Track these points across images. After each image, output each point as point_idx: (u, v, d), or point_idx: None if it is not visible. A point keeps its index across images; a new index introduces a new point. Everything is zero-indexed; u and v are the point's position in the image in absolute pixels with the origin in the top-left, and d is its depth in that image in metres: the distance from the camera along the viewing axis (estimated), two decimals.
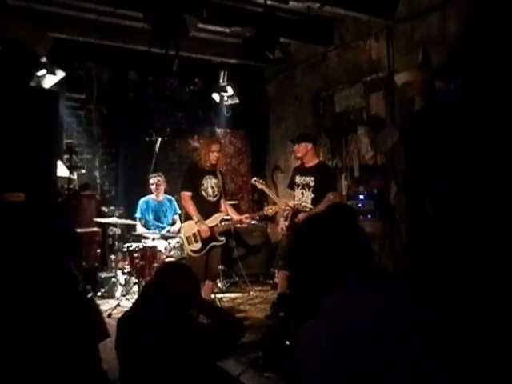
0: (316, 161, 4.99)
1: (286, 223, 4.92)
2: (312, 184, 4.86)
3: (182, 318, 2.07)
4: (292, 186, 5.05)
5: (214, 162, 4.83)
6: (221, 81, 6.56)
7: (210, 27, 5.81)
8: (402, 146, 5.17)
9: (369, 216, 5.65)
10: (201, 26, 5.56)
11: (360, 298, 1.14)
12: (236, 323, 2.29)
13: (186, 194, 4.82)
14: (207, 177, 4.85)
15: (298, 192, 4.93)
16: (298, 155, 4.95)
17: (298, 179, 4.96)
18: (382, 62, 5.50)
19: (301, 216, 4.71)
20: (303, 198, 4.88)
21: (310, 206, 4.81)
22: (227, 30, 5.88)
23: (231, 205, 5.39)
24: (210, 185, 4.85)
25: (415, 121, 4.76)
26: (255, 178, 6.23)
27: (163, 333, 1.98)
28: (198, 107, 7.36)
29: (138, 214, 5.89)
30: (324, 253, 1.26)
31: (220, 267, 5.56)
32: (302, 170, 4.96)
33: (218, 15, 5.35)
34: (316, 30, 6.10)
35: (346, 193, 6.23)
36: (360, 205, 5.75)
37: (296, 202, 4.88)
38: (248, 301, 5.61)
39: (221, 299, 5.54)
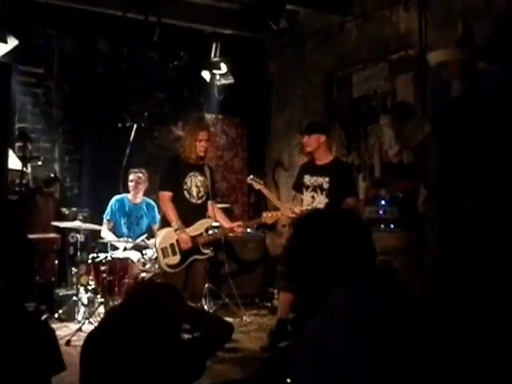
0: (330, 157, 4.97)
1: (288, 235, 4.92)
2: (326, 186, 4.82)
3: (165, 340, 2.08)
4: (299, 187, 5.00)
5: (201, 154, 4.80)
6: (212, 55, 6.55)
7: None
8: (435, 141, 5.15)
9: (391, 226, 5.63)
10: None
11: (360, 298, 1.42)
12: (222, 325, 2.39)
13: (165, 195, 4.79)
14: (191, 173, 4.82)
15: (307, 195, 4.89)
16: (309, 149, 4.92)
17: (308, 179, 4.91)
18: (412, 37, 5.49)
19: None
20: (314, 202, 4.83)
21: None
22: None
23: (221, 209, 5.37)
24: (194, 183, 4.82)
25: (452, 110, 4.74)
26: (252, 177, 6.18)
27: (145, 365, 1.97)
28: (184, 87, 7.33)
29: (106, 215, 5.86)
30: (326, 250, 1.51)
31: (206, 286, 5.53)
32: (313, 169, 4.91)
33: None
34: None
35: (363, 197, 6.21)
36: (381, 212, 5.73)
37: (305, 208, 4.82)
38: (240, 328, 5.59)
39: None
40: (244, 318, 5.96)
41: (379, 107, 6.00)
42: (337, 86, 6.62)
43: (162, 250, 4.74)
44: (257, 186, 6.10)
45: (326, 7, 6.21)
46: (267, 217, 5.15)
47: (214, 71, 6.64)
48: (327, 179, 4.80)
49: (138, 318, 2.05)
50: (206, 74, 6.69)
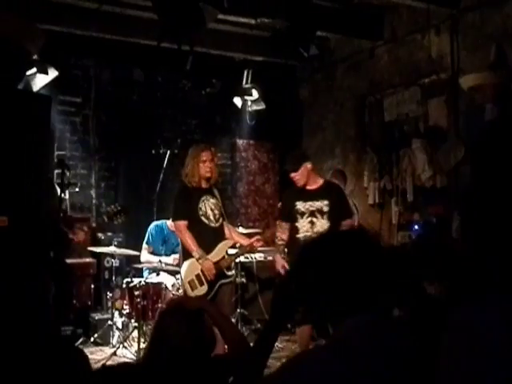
0: (320, 180, 4.83)
1: (284, 263, 4.70)
2: (326, 209, 4.65)
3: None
4: (291, 216, 4.76)
5: (207, 175, 4.69)
6: (244, 82, 6.62)
7: (231, 18, 5.89)
8: (469, 165, 5.09)
9: None
10: (221, 16, 5.65)
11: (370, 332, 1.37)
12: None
13: (181, 224, 4.66)
14: (203, 198, 4.71)
15: (303, 222, 4.67)
16: (302, 182, 4.71)
17: (302, 206, 4.70)
18: (444, 61, 5.48)
19: None
20: (315, 228, 4.64)
21: None
22: (253, 22, 5.94)
23: (253, 234, 5.35)
24: (209, 207, 4.71)
25: (485, 134, 4.68)
26: None
27: None
28: (216, 114, 7.42)
29: (147, 240, 5.85)
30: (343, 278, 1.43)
31: (238, 311, 5.51)
32: (306, 194, 4.72)
33: (242, 3, 5.42)
34: (361, 20, 6.12)
35: (396, 221, 6.15)
36: (414, 236, 5.67)
37: (303, 235, 4.63)
38: (272, 354, 5.52)
39: None
40: (276, 343, 5.89)
41: (411, 131, 5.97)
42: (368, 110, 6.62)
43: (189, 283, 4.62)
44: None
45: (357, 33, 6.24)
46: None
47: (246, 97, 6.70)
48: (326, 202, 4.65)
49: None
50: (237, 101, 6.75)
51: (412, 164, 5.89)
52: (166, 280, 5.52)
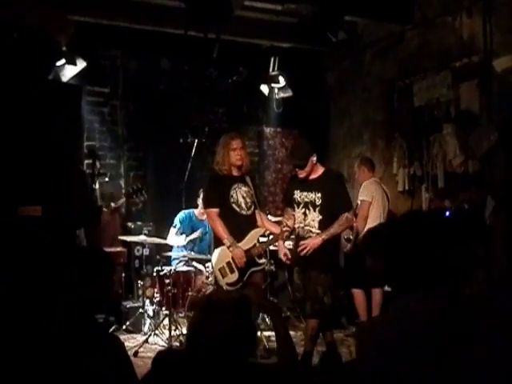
0: (320, 170, 4.60)
1: (287, 250, 4.63)
2: (319, 202, 4.47)
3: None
4: (290, 202, 4.66)
5: (238, 163, 4.67)
6: (271, 69, 6.59)
7: (258, 4, 5.85)
8: (502, 150, 5.00)
9: None
10: (247, 3, 5.62)
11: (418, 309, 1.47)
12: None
13: (212, 211, 4.68)
14: (235, 186, 4.70)
15: (298, 212, 4.55)
16: (305, 175, 4.53)
17: (298, 195, 4.56)
18: (477, 44, 5.37)
19: (309, 243, 4.39)
20: (306, 220, 4.51)
21: (317, 230, 4.45)
22: (279, 8, 5.90)
23: (281, 221, 5.34)
24: (240, 195, 4.71)
25: None
26: None
27: None
28: (243, 102, 7.40)
29: (174, 225, 5.92)
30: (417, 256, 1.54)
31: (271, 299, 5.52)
32: (303, 183, 4.55)
33: None
34: (391, 4, 6.01)
35: (426, 208, 6.07)
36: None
37: (297, 226, 4.55)
38: (302, 341, 5.53)
39: (269, 338, 5.50)
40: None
41: (442, 116, 5.87)
42: (397, 95, 6.52)
43: (219, 270, 4.64)
44: None
45: (386, 17, 6.14)
46: None
47: (273, 85, 6.67)
48: (319, 195, 4.46)
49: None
50: (264, 88, 6.72)
51: (443, 149, 5.79)
52: (196, 269, 5.56)
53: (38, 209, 2.55)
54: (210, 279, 5.45)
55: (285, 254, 4.61)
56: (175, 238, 5.89)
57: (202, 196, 5.89)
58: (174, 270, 5.42)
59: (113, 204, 5.54)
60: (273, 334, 5.78)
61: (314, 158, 4.49)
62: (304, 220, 4.51)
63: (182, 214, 5.97)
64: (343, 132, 7.46)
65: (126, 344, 4.98)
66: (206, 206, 4.83)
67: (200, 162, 6.74)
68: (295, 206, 4.57)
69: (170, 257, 5.85)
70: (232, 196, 4.69)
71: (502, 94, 5.02)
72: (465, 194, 5.59)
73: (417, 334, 1.41)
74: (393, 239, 1.61)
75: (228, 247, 4.59)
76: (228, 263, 4.62)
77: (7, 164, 2.45)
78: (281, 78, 6.60)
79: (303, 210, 4.52)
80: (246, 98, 7.35)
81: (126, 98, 6.76)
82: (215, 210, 4.67)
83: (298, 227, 4.54)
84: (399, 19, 6.14)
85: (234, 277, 4.61)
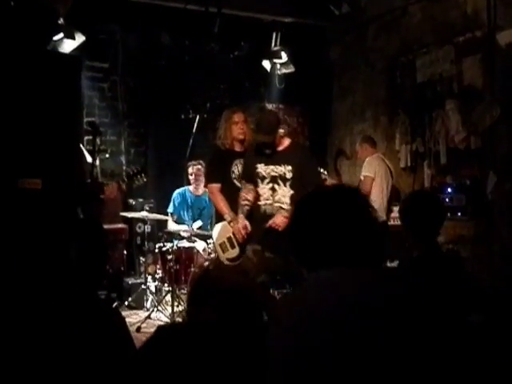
0: (287, 142, 4.31)
1: (247, 222, 4.32)
2: (290, 176, 4.20)
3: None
4: (250, 177, 4.33)
5: (240, 137, 4.62)
6: (273, 45, 6.54)
7: None
8: (505, 125, 4.98)
9: (458, 214, 5.48)
10: None
11: (328, 285, 1.44)
12: None
13: (214, 187, 4.65)
14: (237, 161, 4.65)
15: (263, 188, 4.25)
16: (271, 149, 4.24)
17: (263, 169, 4.25)
18: (480, 18, 5.31)
19: (279, 220, 4.09)
20: (276, 195, 4.23)
21: (288, 207, 4.14)
22: None
23: None
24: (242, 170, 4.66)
25: None
26: None
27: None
28: (245, 77, 7.35)
29: (170, 209, 5.98)
30: (324, 232, 1.49)
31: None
32: (268, 156, 4.23)
33: None
34: None
35: (428, 184, 6.07)
36: (447, 199, 5.59)
37: (263, 203, 4.26)
38: None
39: None
40: None
41: (445, 92, 5.84)
42: (400, 71, 6.48)
43: (220, 245, 4.62)
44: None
45: None
46: None
47: (275, 60, 6.63)
48: (289, 168, 4.19)
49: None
50: (266, 64, 6.68)
51: (445, 125, 5.77)
52: (198, 245, 5.59)
53: (38, 182, 2.56)
54: (212, 255, 5.49)
55: (245, 227, 4.31)
56: (173, 226, 5.90)
57: (190, 171, 5.93)
58: (177, 246, 5.46)
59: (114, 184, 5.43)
60: None
61: (282, 131, 4.25)
62: (272, 196, 4.23)
63: (175, 195, 5.99)
64: (346, 108, 7.43)
65: (129, 320, 5.07)
66: (208, 181, 4.82)
67: (201, 138, 6.72)
68: (259, 181, 4.25)
69: (172, 233, 5.87)
70: (233, 171, 4.67)
71: (505, 69, 4.99)
72: (467, 170, 5.59)
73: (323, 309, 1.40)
74: (294, 221, 1.60)
75: (229, 222, 4.56)
76: (229, 238, 4.58)
77: (7, 136, 2.45)
78: (283, 54, 6.56)
79: (271, 185, 4.22)
80: (248, 74, 7.30)
81: (126, 73, 6.73)
82: (216, 186, 4.66)
83: (265, 204, 4.26)
84: None
85: (235, 252, 4.58)
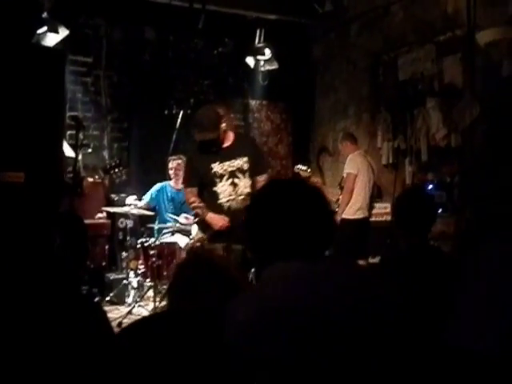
0: (231, 135, 4.28)
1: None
2: (247, 167, 4.19)
3: None
4: (206, 180, 4.23)
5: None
6: (256, 41, 6.55)
7: None
8: (484, 123, 5.05)
9: (440, 210, 5.55)
10: None
11: (285, 277, 1.43)
12: None
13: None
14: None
15: (223, 185, 4.19)
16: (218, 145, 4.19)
17: (219, 168, 4.18)
18: (460, 17, 5.38)
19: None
20: (238, 189, 4.18)
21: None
22: None
23: None
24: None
25: (502, 91, 4.63)
26: (299, 166, 6.21)
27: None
28: (228, 74, 7.37)
29: (144, 197, 5.94)
30: (278, 224, 1.49)
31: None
32: (220, 154, 4.19)
33: None
34: None
35: (410, 181, 6.14)
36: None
37: (227, 199, 4.18)
38: None
39: None
40: None
41: (426, 90, 5.91)
42: (383, 69, 6.54)
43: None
44: (304, 175, 6.08)
45: None
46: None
47: (259, 57, 6.64)
48: (246, 159, 4.19)
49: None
50: (250, 60, 6.69)
51: (426, 123, 5.85)
52: (180, 240, 5.59)
53: (20, 175, 2.56)
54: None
55: (224, 219, 4.17)
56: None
57: (170, 166, 5.92)
58: (159, 241, 5.46)
59: (96, 177, 5.39)
60: None
61: (224, 125, 4.15)
62: (235, 191, 4.18)
63: (153, 190, 5.98)
64: (329, 105, 7.48)
65: (110, 315, 5.05)
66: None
67: (185, 134, 6.73)
68: (217, 180, 4.18)
69: (153, 228, 5.87)
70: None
71: (484, 67, 5.06)
72: (447, 167, 5.66)
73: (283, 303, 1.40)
74: (250, 212, 1.60)
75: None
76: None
77: None
78: (267, 51, 6.58)
79: (230, 180, 4.17)
80: (232, 70, 7.32)
81: (110, 68, 6.69)
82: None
83: (228, 200, 4.19)
84: None
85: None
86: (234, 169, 4.19)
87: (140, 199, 6.05)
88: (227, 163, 4.18)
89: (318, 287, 1.41)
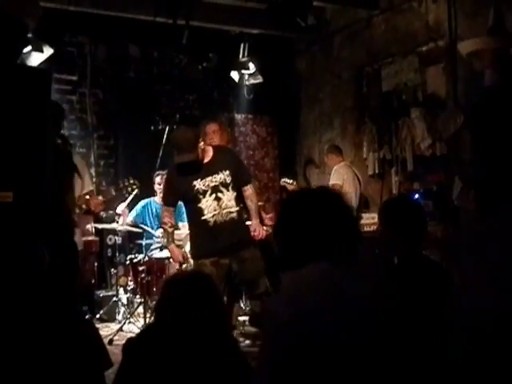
0: (210, 151, 4.29)
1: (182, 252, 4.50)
2: (229, 180, 4.23)
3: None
4: (187, 198, 4.30)
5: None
6: (241, 56, 6.58)
7: None
8: (468, 132, 5.09)
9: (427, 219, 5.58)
10: None
11: (317, 280, 1.52)
12: None
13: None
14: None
15: (207, 201, 4.20)
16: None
17: (201, 184, 4.20)
18: (442, 28, 5.46)
19: (258, 229, 4.39)
20: (222, 203, 4.22)
21: (236, 208, 4.28)
22: None
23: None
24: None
25: (485, 100, 4.66)
26: (285, 179, 6.23)
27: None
28: (213, 88, 7.40)
29: (130, 214, 5.89)
30: (307, 228, 1.58)
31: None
32: (200, 171, 4.20)
33: None
34: None
35: (396, 191, 6.17)
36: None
37: (212, 214, 4.22)
38: None
39: (244, 323, 5.55)
40: None
41: (410, 100, 5.97)
42: (366, 80, 6.59)
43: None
44: (290, 188, 6.10)
45: (353, 2, 6.21)
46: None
47: (243, 71, 6.66)
48: (227, 172, 4.23)
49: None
50: (234, 75, 6.72)
51: (411, 133, 5.90)
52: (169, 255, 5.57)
53: (8, 195, 2.53)
54: (184, 266, 5.48)
55: (182, 255, 4.49)
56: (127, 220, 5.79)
57: (157, 181, 5.89)
58: (148, 257, 5.43)
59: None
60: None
61: (202, 143, 4.17)
62: (219, 205, 4.21)
63: (138, 206, 5.92)
64: (314, 117, 7.51)
65: (101, 333, 4.99)
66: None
67: (171, 149, 6.71)
68: (200, 196, 4.20)
69: (142, 244, 5.84)
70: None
71: (467, 77, 5.12)
72: (433, 176, 5.70)
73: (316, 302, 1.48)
74: (282, 220, 1.69)
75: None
76: None
77: None
78: (251, 65, 6.60)
79: (214, 195, 4.19)
80: (217, 85, 7.35)
81: (95, 85, 6.69)
82: None
83: (213, 215, 4.21)
84: (366, 5, 6.21)
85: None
86: (217, 183, 4.20)
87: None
88: (209, 179, 4.19)
89: (344, 289, 1.52)
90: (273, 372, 1.45)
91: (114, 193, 4.86)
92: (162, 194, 4.73)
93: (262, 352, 1.54)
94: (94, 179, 6.61)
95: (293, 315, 1.45)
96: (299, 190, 2.01)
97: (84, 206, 4.48)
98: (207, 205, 4.20)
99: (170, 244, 4.46)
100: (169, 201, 4.44)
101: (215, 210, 4.21)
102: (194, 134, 4.15)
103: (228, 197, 4.24)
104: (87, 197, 4.37)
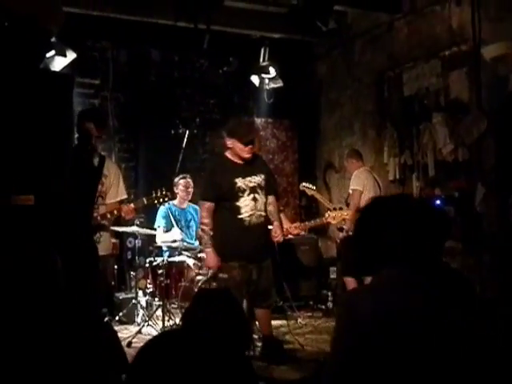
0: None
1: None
2: (263, 184, 4.32)
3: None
4: (228, 194, 4.28)
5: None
6: (261, 60, 6.57)
7: None
8: (492, 138, 5.03)
9: None
10: None
11: (400, 282, 1.58)
12: None
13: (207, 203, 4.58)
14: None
15: (245, 200, 4.24)
16: (249, 155, 4.30)
17: (242, 182, 4.26)
18: (466, 32, 5.38)
19: (280, 231, 4.40)
20: (258, 205, 4.28)
21: (264, 213, 4.36)
22: None
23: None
24: None
25: (509, 104, 4.62)
26: (304, 184, 6.21)
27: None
28: (234, 93, 7.40)
29: (157, 223, 5.92)
30: (389, 232, 1.63)
31: None
32: (241, 169, 4.28)
33: None
34: None
35: (417, 197, 6.11)
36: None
37: (249, 214, 4.27)
38: (295, 330, 5.58)
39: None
40: (299, 320, 5.95)
41: (432, 105, 5.90)
42: (387, 85, 6.54)
43: None
44: (309, 193, 6.07)
45: (375, 6, 6.16)
46: (330, 217, 5.11)
47: (263, 75, 6.66)
48: (263, 176, 4.34)
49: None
50: (255, 79, 6.71)
51: (433, 138, 5.82)
52: (188, 259, 5.58)
53: (30, 198, 2.56)
54: (202, 270, 5.48)
55: (217, 263, 4.34)
56: (163, 237, 5.81)
57: (181, 184, 5.87)
58: (167, 260, 5.44)
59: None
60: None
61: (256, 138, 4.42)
62: (255, 206, 4.26)
63: (161, 212, 5.93)
64: (334, 122, 7.48)
65: (120, 335, 5.00)
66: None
67: (191, 153, 6.75)
68: (240, 194, 4.24)
69: (161, 247, 5.85)
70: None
71: (490, 82, 5.05)
72: (455, 182, 5.63)
73: (400, 304, 1.53)
74: (358, 225, 1.74)
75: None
76: None
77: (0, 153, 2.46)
78: (271, 69, 6.59)
79: (252, 195, 4.24)
80: (237, 89, 7.36)
81: (117, 89, 6.74)
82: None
83: (250, 215, 4.25)
84: (388, 8, 6.16)
85: None
86: (255, 184, 4.29)
87: (142, 219, 6.03)
88: (248, 178, 4.28)
89: (423, 294, 1.55)
90: (346, 361, 1.51)
91: (145, 202, 4.89)
92: (203, 190, 4.62)
93: (336, 343, 1.58)
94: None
95: (378, 312, 1.50)
96: (378, 197, 2.09)
97: (115, 212, 4.55)
98: (245, 204, 4.24)
99: (209, 247, 4.35)
100: (210, 196, 4.37)
101: (252, 210, 4.25)
102: (254, 127, 4.30)
103: (262, 200, 4.31)
104: (120, 204, 4.47)
